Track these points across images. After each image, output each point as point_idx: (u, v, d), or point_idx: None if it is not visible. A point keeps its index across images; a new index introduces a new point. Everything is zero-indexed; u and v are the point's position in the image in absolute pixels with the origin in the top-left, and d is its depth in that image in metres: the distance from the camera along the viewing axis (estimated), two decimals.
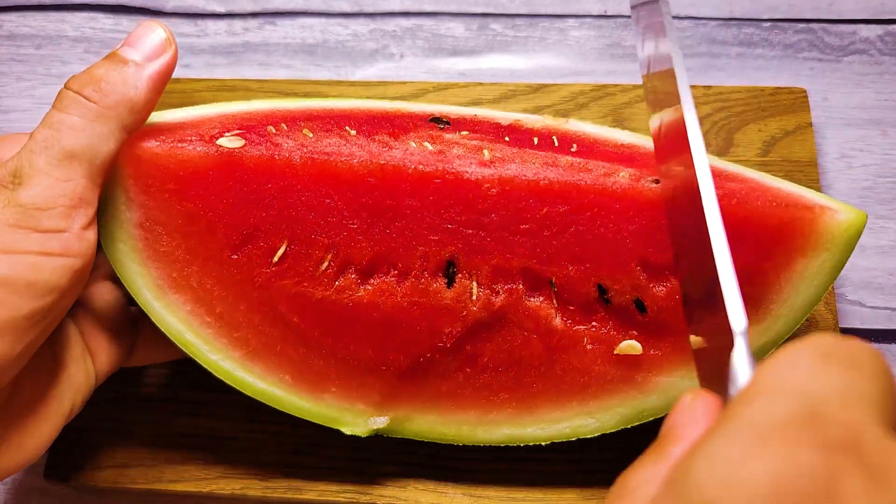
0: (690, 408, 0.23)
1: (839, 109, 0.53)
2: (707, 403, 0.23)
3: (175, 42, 0.35)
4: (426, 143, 0.39)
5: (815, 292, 0.36)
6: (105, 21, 0.59)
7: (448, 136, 0.40)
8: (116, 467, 0.41)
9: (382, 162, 0.36)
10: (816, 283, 0.36)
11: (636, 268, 0.36)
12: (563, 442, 0.38)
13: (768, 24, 0.56)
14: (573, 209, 0.36)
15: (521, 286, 0.37)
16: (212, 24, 0.59)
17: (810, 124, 0.49)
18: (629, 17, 0.58)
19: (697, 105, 0.50)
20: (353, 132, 0.39)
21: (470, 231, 0.36)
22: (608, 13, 0.58)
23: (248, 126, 0.38)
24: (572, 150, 0.40)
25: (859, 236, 0.35)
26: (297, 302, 0.36)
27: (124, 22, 0.59)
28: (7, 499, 0.44)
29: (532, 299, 0.37)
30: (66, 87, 0.33)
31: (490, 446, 0.41)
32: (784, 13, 0.57)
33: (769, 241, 0.35)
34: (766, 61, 0.55)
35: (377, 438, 0.41)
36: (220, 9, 0.59)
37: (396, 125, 0.40)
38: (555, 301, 0.37)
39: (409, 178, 0.36)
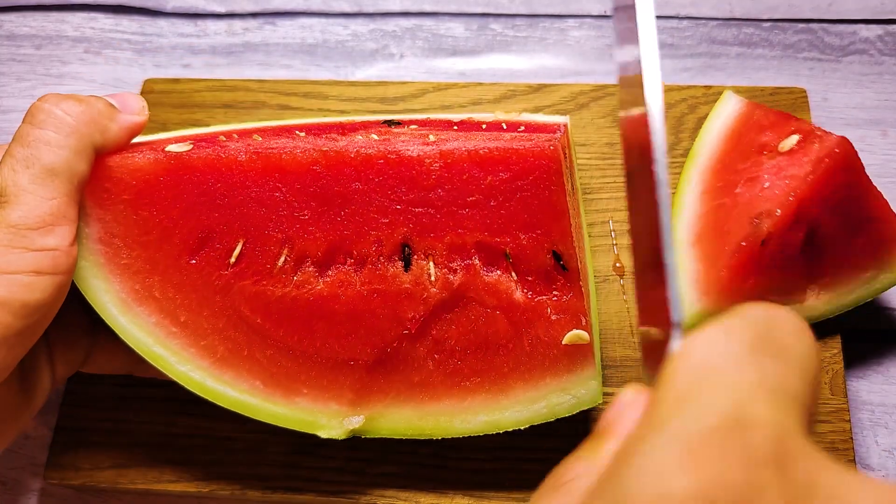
0: (628, 405, 0.22)
1: (839, 109, 0.53)
2: (645, 401, 0.22)
3: (147, 115, 0.37)
4: (373, 136, 0.39)
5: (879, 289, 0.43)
6: (105, 21, 0.59)
7: (396, 130, 0.41)
8: (116, 468, 0.41)
9: (325, 149, 0.36)
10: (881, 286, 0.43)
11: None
12: (563, 442, 0.38)
13: (768, 24, 0.56)
14: (515, 175, 0.36)
15: (477, 261, 0.37)
16: (212, 24, 0.59)
17: (810, 124, 0.49)
18: None
19: (697, 105, 0.51)
20: (302, 134, 0.40)
21: (419, 210, 0.36)
22: (608, 13, 0.58)
23: (199, 138, 0.39)
24: (520, 129, 0.42)
25: None
26: (259, 301, 0.36)
27: (124, 22, 0.59)
28: (6, 499, 0.44)
29: (490, 274, 0.37)
30: (40, 101, 0.34)
31: (491, 445, 0.41)
32: (784, 13, 0.57)
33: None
34: (766, 61, 0.55)
35: (377, 438, 0.41)
36: (220, 9, 0.59)
37: (347, 127, 0.41)
38: (513, 273, 0.37)
39: (352, 162, 0.36)
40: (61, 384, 0.38)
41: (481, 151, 0.36)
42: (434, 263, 0.37)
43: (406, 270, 0.36)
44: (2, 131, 0.56)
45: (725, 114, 0.48)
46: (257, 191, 0.36)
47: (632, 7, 0.31)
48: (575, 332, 0.36)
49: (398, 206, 0.36)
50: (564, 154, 0.39)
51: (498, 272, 0.37)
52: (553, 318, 0.36)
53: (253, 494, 0.41)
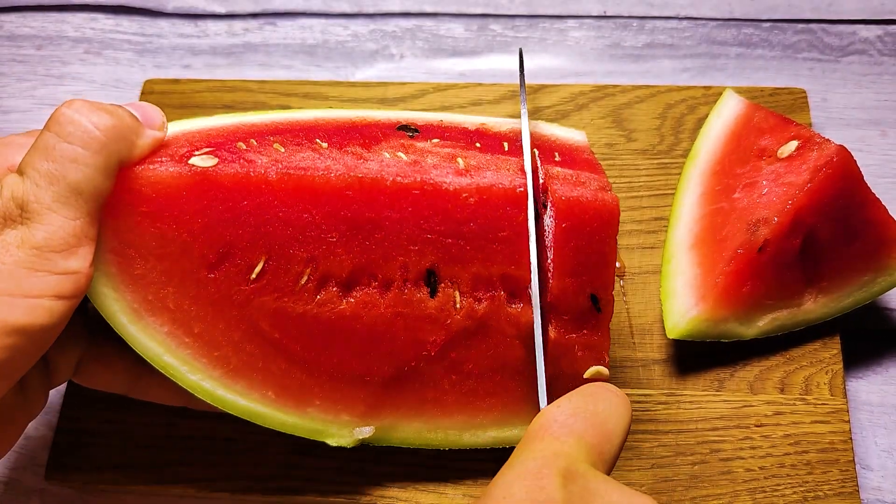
0: None
1: (838, 110, 0.53)
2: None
3: (167, 130, 0.36)
4: (400, 154, 0.39)
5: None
6: (106, 22, 0.59)
7: (420, 144, 0.40)
8: (117, 468, 0.42)
9: (360, 175, 0.36)
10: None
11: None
12: None
13: (768, 24, 0.57)
14: (573, 225, 0.36)
15: (502, 293, 0.37)
16: (212, 25, 0.59)
17: (810, 125, 0.50)
18: (629, 17, 0.58)
19: (697, 105, 0.51)
20: (325, 144, 0.39)
21: (449, 240, 0.36)
22: (608, 14, 0.58)
23: (217, 143, 0.37)
24: (556, 159, 0.40)
25: None
26: (278, 317, 0.36)
27: (125, 22, 0.59)
28: (7, 499, 0.44)
29: (514, 306, 0.37)
30: (68, 109, 0.31)
31: (490, 448, 0.41)
32: (784, 13, 0.57)
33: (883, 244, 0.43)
34: (765, 62, 0.55)
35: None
36: (221, 9, 0.60)
37: (366, 135, 0.40)
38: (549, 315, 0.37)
39: (387, 191, 0.36)
40: (56, 386, 0.38)
41: (517, 191, 0.36)
42: (459, 292, 0.37)
43: (432, 296, 0.37)
44: (2, 132, 0.56)
45: (726, 114, 0.48)
46: (285, 210, 0.35)
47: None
48: (596, 367, 0.37)
49: (429, 236, 0.36)
50: None
51: (521, 304, 0.37)
52: (578, 354, 0.37)
53: (253, 495, 0.41)
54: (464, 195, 0.36)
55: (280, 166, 0.36)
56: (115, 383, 0.39)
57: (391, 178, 0.36)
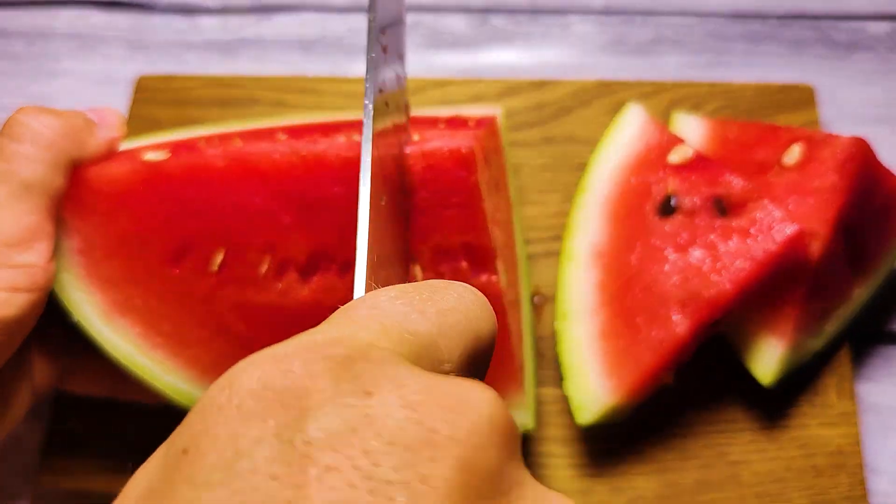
0: None
1: (847, 107, 0.52)
2: None
3: (125, 130, 0.37)
4: (355, 136, 0.38)
5: None
6: (98, 17, 0.58)
7: None
8: (110, 472, 0.41)
9: (304, 153, 0.35)
10: None
11: None
12: (563, 443, 0.37)
13: (775, 19, 0.56)
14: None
15: (464, 264, 0.36)
16: (206, 20, 0.58)
17: (818, 121, 0.49)
18: (634, 12, 0.57)
19: (703, 102, 0.50)
20: (284, 137, 0.38)
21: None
22: (612, 8, 0.57)
23: (179, 144, 0.37)
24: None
25: None
26: (242, 310, 0.35)
27: (117, 18, 0.58)
28: None
29: (480, 277, 0.36)
30: (17, 114, 0.33)
31: None
32: (791, 9, 0.56)
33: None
34: (772, 57, 0.54)
35: None
36: (215, 4, 0.58)
37: (330, 128, 0.40)
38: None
39: (331, 165, 0.35)
40: (41, 399, 0.38)
41: (463, 150, 0.35)
42: (421, 267, 0.36)
43: None
44: None
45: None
46: (236, 197, 0.35)
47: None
48: None
49: None
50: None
51: (486, 274, 0.36)
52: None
53: None
54: (409, 162, 0.35)
55: (229, 154, 0.36)
56: (101, 388, 0.39)
57: (334, 154, 0.35)
